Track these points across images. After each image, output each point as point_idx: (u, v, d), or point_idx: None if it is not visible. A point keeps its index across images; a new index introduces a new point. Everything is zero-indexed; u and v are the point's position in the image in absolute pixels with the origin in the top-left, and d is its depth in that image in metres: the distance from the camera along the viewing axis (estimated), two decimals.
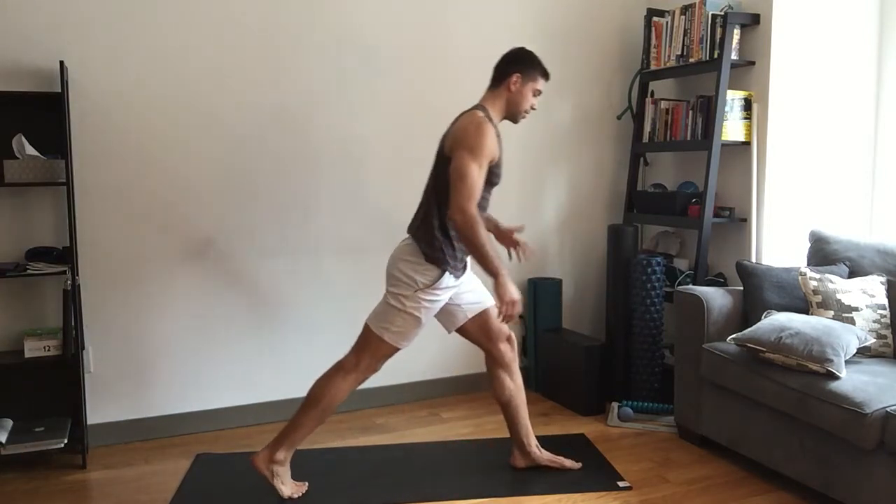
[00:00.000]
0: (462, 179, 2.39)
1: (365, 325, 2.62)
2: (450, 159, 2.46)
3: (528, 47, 2.67)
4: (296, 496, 2.64)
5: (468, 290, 2.74)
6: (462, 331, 2.79)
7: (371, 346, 2.59)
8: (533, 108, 2.66)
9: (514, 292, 2.45)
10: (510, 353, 2.81)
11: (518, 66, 2.59)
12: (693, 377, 3.09)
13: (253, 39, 3.25)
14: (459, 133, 2.47)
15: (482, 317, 2.76)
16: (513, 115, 2.64)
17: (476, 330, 2.78)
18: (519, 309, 2.48)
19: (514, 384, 2.82)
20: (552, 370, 3.74)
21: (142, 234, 3.15)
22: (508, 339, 2.80)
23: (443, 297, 2.60)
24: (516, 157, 3.86)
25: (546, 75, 2.64)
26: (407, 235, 2.63)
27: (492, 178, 2.55)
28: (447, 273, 2.55)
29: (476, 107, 2.59)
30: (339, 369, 2.62)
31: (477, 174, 2.41)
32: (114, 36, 3.03)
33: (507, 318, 2.49)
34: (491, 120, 2.53)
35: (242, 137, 3.28)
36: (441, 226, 2.53)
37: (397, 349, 2.60)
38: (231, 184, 3.28)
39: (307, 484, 2.71)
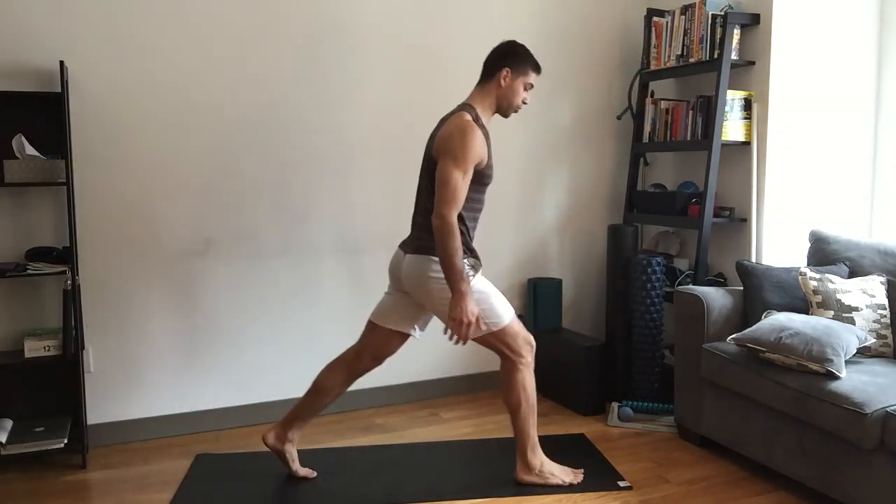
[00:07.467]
0: (444, 186, 2.37)
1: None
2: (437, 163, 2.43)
3: (529, 47, 2.66)
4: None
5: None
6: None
7: (492, 340, 2.56)
8: (525, 103, 2.59)
9: (467, 313, 2.37)
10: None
11: (508, 60, 2.53)
12: (693, 377, 3.09)
13: (253, 39, 3.25)
14: (445, 139, 2.43)
15: None
16: (504, 110, 2.58)
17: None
18: (467, 334, 2.39)
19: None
20: (552, 370, 3.74)
21: (142, 234, 3.15)
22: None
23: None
24: (516, 157, 3.86)
25: (537, 69, 2.58)
26: (406, 255, 2.55)
27: (483, 180, 2.51)
28: (465, 265, 2.46)
29: (463, 106, 2.52)
30: (510, 364, 2.62)
31: (460, 181, 2.38)
32: (114, 36, 3.03)
33: (453, 337, 2.41)
34: (478, 119, 2.48)
35: (243, 137, 3.28)
36: None
37: (508, 323, 2.55)
38: (231, 184, 3.28)
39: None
